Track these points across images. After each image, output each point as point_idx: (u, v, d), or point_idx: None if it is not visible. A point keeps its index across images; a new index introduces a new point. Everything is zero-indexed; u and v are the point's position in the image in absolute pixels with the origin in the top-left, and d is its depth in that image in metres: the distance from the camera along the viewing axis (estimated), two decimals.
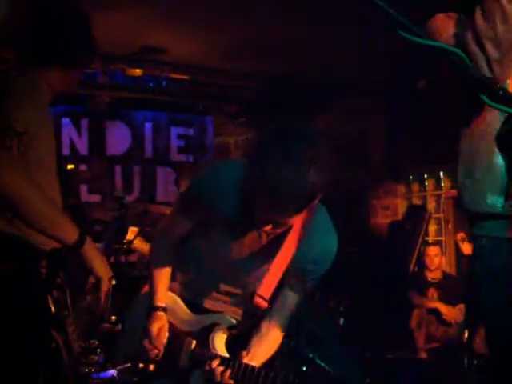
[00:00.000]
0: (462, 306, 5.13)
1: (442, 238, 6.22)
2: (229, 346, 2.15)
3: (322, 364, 4.76)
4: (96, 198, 6.42)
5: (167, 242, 2.24)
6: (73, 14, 2.10)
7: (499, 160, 1.66)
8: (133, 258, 4.96)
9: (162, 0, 4.45)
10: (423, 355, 5.15)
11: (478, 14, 1.65)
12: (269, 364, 2.15)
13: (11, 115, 1.83)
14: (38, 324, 1.85)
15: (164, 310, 2.22)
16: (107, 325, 4.25)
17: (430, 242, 6.06)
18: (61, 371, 1.86)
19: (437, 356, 5.04)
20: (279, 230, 1.94)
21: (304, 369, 4.70)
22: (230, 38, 5.09)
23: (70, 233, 1.88)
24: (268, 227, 1.86)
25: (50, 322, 1.88)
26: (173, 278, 2.28)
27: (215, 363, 2.04)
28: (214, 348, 2.10)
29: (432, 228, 6.30)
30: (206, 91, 6.51)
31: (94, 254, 1.93)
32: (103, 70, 5.71)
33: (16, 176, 1.77)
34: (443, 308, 5.11)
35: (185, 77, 6.10)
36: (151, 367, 2.20)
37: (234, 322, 2.17)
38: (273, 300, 2.12)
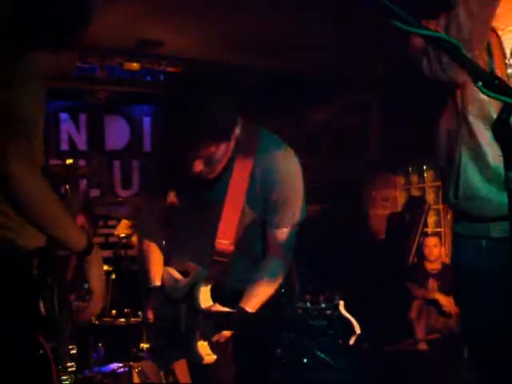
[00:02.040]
0: None
1: (441, 229, 6.22)
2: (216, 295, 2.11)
3: (323, 356, 4.78)
4: (95, 192, 6.42)
5: (151, 225, 2.34)
6: None
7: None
8: (132, 252, 4.96)
9: None
10: (423, 346, 5.16)
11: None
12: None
13: (17, 103, 1.70)
14: (26, 329, 1.73)
15: (159, 288, 2.24)
16: (108, 319, 4.25)
17: (429, 232, 6.06)
18: (47, 381, 1.74)
19: (437, 347, 5.05)
20: (214, 170, 2.00)
21: (305, 361, 4.72)
22: (228, 32, 5.07)
23: (80, 238, 1.80)
24: (199, 167, 1.93)
25: (38, 327, 1.76)
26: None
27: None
28: (200, 304, 2.06)
29: (431, 219, 6.31)
30: None
31: (96, 264, 1.85)
32: (101, 64, 5.69)
33: (26, 170, 1.65)
34: (443, 299, 5.11)
35: None
36: (161, 343, 2.23)
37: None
38: (238, 241, 2.13)
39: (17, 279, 1.74)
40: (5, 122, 1.67)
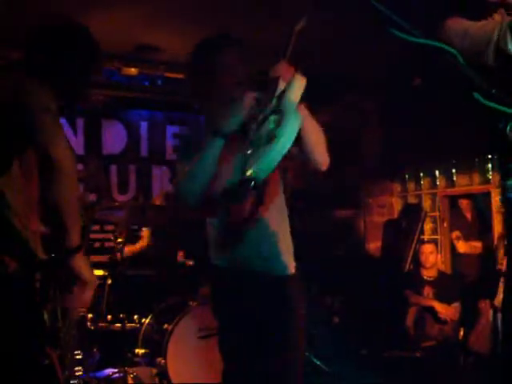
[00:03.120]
0: (457, 304, 5.14)
1: (438, 237, 6.23)
2: None
3: (318, 363, 4.77)
4: (92, 197, 6.41)
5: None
6: (84, 50, 2.26)
7: None
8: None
9: None
10: (419, 353, 5.16)
11: None
12: None
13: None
14: (32, 340, 1.80)
15: None
16: (103, 324, 4.24)
17: (425, 240, 6.07)
18: None
19: (432, 354, 5.05)
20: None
21: None
22: None
23: (78, 235, 1.91)
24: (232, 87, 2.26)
25: (44, 337, 1.84)
26: None
27: None
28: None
29: (427, 226, 6.31)
30: None
31: (84, 261, 1.95)
32: None
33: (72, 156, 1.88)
34: (439, 306, 5.12)
35: (180, 75, 6.09)
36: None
37: None
38: None
39: (23, 291, 1.82)
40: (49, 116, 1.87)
